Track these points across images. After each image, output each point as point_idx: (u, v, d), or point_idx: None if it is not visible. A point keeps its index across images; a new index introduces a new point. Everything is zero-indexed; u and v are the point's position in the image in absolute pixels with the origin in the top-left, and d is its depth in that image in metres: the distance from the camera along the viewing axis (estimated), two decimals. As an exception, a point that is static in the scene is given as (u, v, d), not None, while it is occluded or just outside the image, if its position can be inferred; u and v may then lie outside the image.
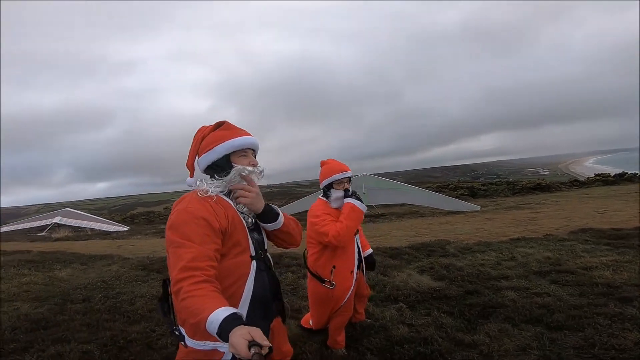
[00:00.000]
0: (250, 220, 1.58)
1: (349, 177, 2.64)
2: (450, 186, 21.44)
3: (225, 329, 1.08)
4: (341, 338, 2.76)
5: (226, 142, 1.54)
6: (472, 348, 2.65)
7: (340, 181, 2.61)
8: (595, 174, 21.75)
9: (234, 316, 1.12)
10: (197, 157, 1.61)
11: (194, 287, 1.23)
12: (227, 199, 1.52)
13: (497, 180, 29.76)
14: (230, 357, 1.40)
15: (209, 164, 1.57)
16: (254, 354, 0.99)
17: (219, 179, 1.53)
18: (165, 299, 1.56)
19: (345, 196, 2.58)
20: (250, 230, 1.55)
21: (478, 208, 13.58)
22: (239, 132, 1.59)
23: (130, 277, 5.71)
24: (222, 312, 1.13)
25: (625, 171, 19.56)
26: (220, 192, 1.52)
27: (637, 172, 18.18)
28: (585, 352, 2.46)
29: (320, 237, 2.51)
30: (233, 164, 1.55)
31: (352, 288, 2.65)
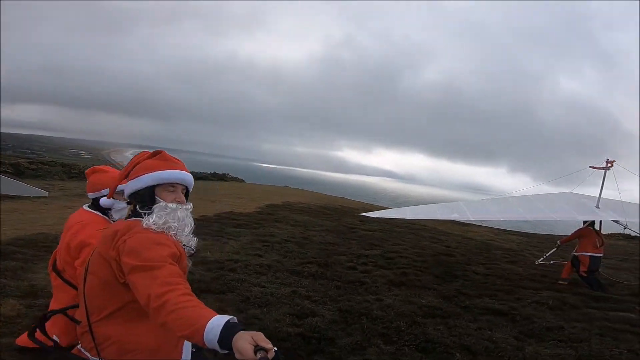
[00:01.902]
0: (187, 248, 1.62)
1: None
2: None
3: (226, 336, 1.07)
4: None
5: (154, 172, 1.52)
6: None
7: (119, 192, 2.85)
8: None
9: (232, 322, 1.11)
10: (125, 181, 1.59)
11: (182, 299, 1.20)
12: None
13: (38, 157, 26.52)
14: None
15: (132, 192, 1.54)
16: (261, 358, 0.99)
17: (150, 214, 1.48)
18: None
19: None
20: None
21: (46, 194, 12.16)
22: (173, 165, 1.56)
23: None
24: (220, 319, 1.11)
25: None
26: (160, 228, 1.47)
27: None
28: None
29: None
30: (157, 197, 1.52)
31: None
